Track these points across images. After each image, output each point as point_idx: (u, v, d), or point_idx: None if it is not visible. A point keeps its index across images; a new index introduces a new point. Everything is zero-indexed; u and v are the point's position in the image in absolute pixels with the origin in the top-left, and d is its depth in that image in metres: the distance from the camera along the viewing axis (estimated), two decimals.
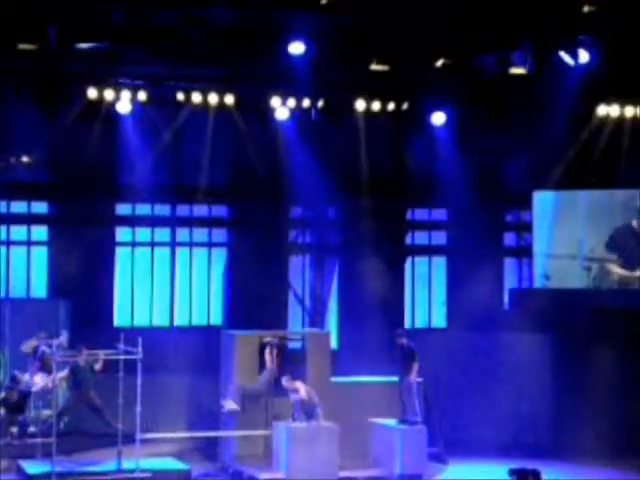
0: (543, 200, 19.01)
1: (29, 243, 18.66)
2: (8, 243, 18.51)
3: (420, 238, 20.15)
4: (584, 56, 16.08)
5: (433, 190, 19.05)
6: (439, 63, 16.43)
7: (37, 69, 16.01)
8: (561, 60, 16.23)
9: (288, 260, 19.73)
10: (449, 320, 19.96)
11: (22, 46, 15.44)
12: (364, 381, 16.39)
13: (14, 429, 14.28)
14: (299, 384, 15.16)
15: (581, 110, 17.91)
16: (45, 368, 14.81)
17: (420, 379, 15.72)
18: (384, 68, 16.71)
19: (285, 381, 15.15)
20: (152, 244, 19.27)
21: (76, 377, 14.84)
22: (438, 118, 17.81)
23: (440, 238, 20.22)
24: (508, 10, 15.52)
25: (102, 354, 14.70)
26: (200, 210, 19.42)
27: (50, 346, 14.61)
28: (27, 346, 15.17)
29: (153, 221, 19.18)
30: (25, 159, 17.69)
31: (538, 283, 19.07)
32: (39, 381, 14.79)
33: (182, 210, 19.30)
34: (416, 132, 18.50)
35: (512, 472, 12.19)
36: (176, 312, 19.14)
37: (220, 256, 19.61)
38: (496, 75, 16.60)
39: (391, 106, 17.74)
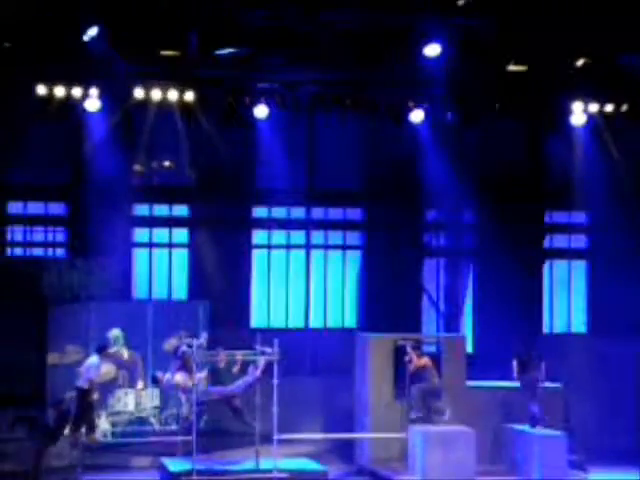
0: None
1: (170, 245, 19.16)
2: (151, 245, 19.04)
3: (559, 241, 19.76)
4: None
5: (572, 192, 18.64)
6: (580, 62, 16.06)
7: (179, 75, 16.42)
8: None
9: (422, 263, 19.63)
10: (590, 325, 19.49)
11: (164, 52, 15.87)
12: (500, 386, 16.13)
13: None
14: (426, 360, 15.18)
15: None
16: (186, 367, 15.10)
17: (559, 385, 15.41)
18: (522, 68, 16.44)
19: (409, 347, 15.17)
20: (287, 247, 19.50)
21: (215, 378, 15.11)
22: (578, 118, 17.41)
23: (580, 241, 19.78)
24: None
25: (240, 355, 14.89)
26: (335, 213, 19.54)
27: (190, 346, 14.89)
28: (169, 345, 15.51)
29: (289, 224, 19.40)
30: (167, 163, 18.16)
31: None
32: (180, 380, 15.11)
33: (317, 213, 19.46)
34: (555, 133, 18.14)
35: None
36: (311, 314, 19.30)
37: (354, 258, 19.67)
38: (639, 73, 16.14)
39: (529, 107, 17.42)
